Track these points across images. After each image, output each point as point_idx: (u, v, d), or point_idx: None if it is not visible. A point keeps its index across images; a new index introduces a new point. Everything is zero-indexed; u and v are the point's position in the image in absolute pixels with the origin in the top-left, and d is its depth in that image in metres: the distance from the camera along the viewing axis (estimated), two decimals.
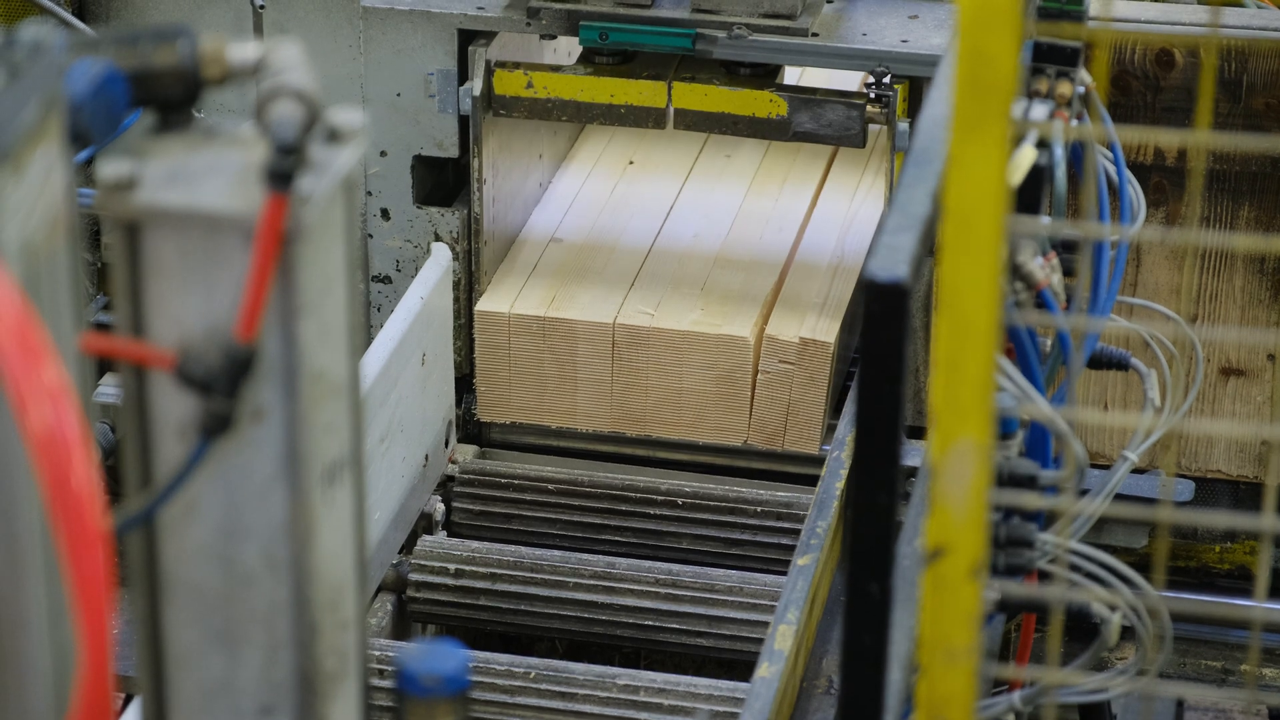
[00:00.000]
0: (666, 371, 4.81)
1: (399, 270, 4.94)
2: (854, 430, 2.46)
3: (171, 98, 2.24)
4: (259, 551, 2.22)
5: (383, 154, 4.86)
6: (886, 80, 4.61)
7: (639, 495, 4.72)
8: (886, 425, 2.43)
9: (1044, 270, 2.94)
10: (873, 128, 4.70)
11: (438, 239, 4.89)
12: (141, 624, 2.27)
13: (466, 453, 4.90)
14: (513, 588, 4.54)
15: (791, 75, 5.17)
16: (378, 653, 4.17)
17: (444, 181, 5.00)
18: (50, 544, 2.04)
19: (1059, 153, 3.07)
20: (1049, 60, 3.20)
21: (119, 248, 2.15)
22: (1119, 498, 3.23)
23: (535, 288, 4.91)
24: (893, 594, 2.51)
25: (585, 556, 4.59)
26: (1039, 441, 3.10)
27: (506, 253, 5.06)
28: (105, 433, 4.53)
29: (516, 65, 4.78)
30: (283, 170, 2.08)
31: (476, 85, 4.74)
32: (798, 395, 4.76)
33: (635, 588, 4.49)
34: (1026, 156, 2.96)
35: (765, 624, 4.22)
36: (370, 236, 4.93)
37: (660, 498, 4.71)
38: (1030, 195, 3.03)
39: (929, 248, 2.59)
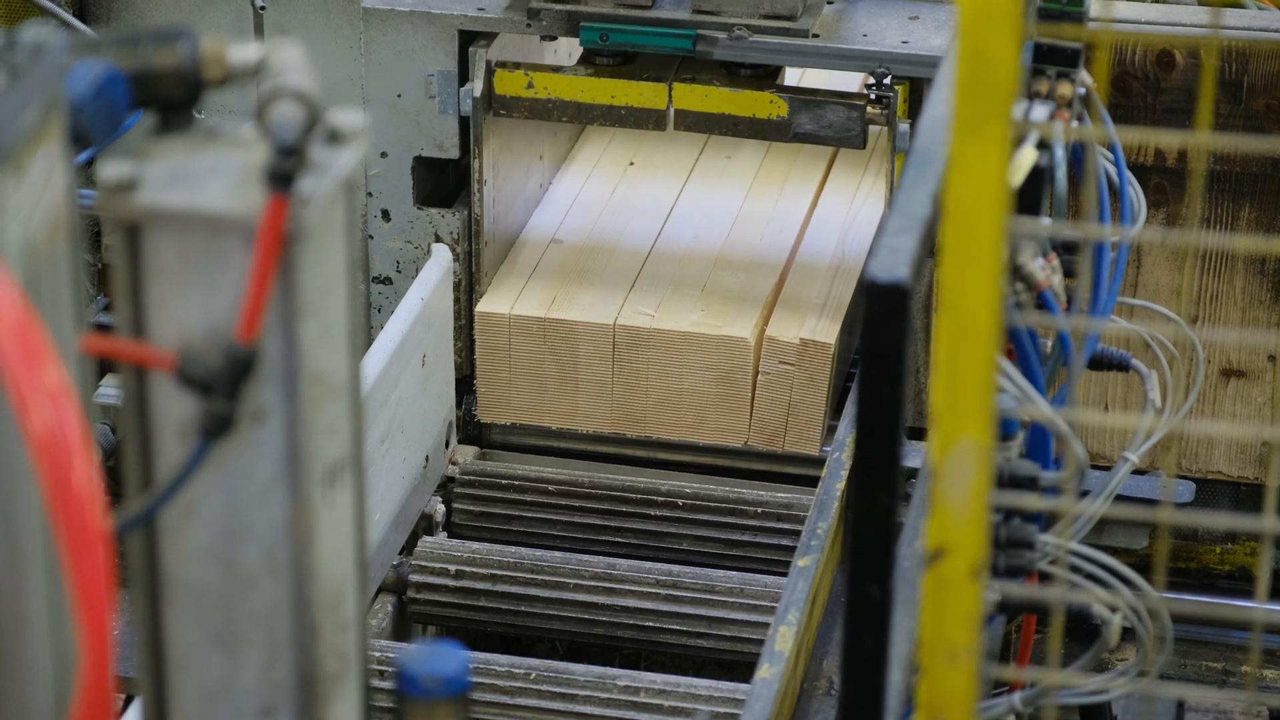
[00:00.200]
0: (667, 372, 4.81)
1: (399, 271, 4.94)
2: (854, 431, 2.46)
3: (172, 99, 2.24)
4: (259, 553, 2.22)
5: (383, 155, 4.86)
6: (887, 81, 4.61)
7: (639, 496, 4.72)
8: (887, 426, 2.43)
9: (1044, 271, 2.94)
10: (873, 129, 4.70)
11: (438, 240, 4.89)
12: (142, 625, 2.27)
13: (467, 454, 4.90)
14: (513, 589, 4.54)
15: (792, 76, 5.17)
16: (378, 654, 4.17)
17: (444, 182, 5.00)
18: (51, 545, 2.04)
19: (1059, 154, 3.07)
20: (1049, 61, 3.20)
21: (120, 249, 2.15)
22: (1119, 499, 3.23)
23: (536, 289, 4.91)
24: (893, 595, 2.51)
25: (586, 557, 4.59)
26: (1039, 443, 3.10)
27: (507, 254, 5.06)
28: (106, 434, 4.53)
29: (517, 66, 4.78)
30: (283, 171, 2.08)
31: (477, 86, 4.74)
32: (798, 396, 4.76)
33: (636, 589, 4.49)
34: (1027, 158, 2.96)
35: (766, 625, 4.22)
36: (371, 237, 4.93)
37: (661, 499, 4.71)
38: (1031, 196, 3.03)
39: (930, 249, 2.59)
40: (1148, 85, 4.48)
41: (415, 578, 4.57)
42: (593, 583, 4.52)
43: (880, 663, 2.52)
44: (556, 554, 4.60)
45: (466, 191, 4.90)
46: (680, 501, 4.70)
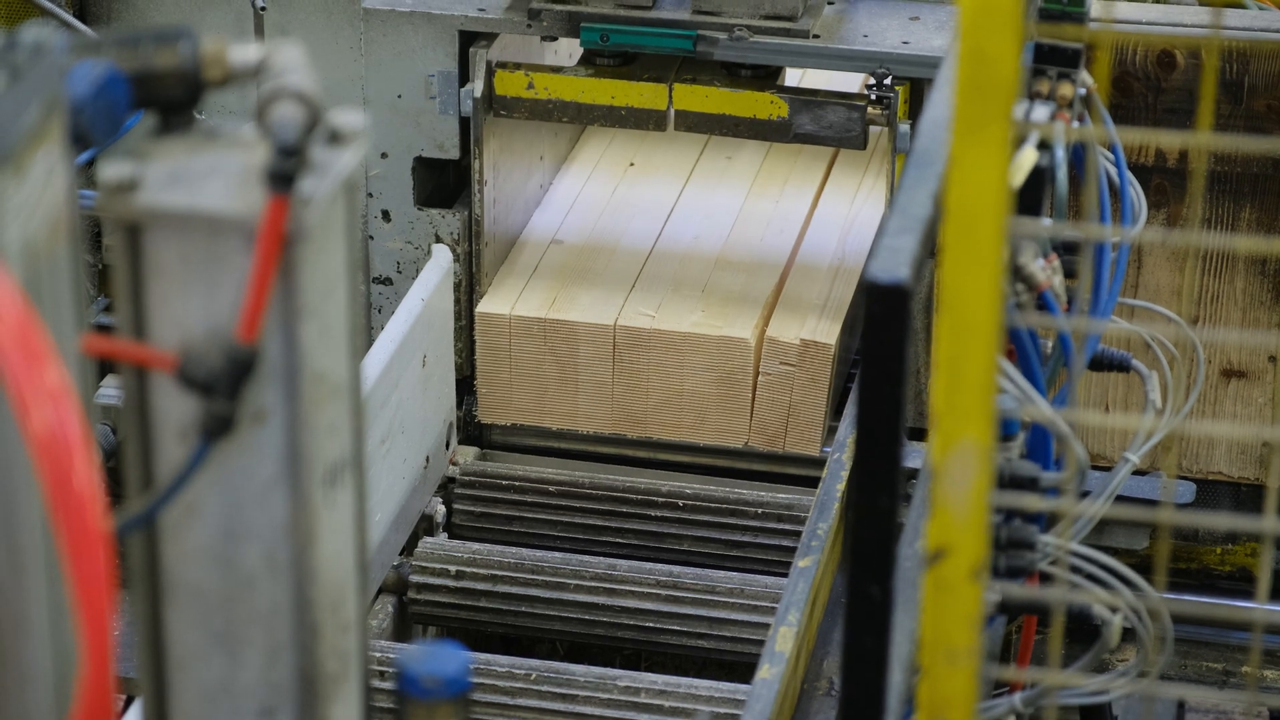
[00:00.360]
0: (667, 373, 4.81)
1: (400, 272, 4.94)
2: (855, 432, 2.46)
3: (173, 99, 2.24)
4: (260, 553, 2.22)
5: (384, 155, 4.86)
6: (887, 82, 4.62)
7: (640, 497, 4.72)
8: (888, 427, 2.43)
9: (1045, 272, 2.94)
10: (874, 129, 4.70)
11: (438, 240, 4.89)
12: (142, 625, 2.27)
13: (467, 454, 4.90)
14: (514, 589, 4.54)
15: (792, 77, 5.17)
16: (379, 654, 4.17)
17: (445, 183, 5.00)
18: (51, 545, 2.04)
19: (1060, 154, 3.07)
20: (1050, 62, 3.20)
21: (120, 249, 2.15)
22: (1120, 499, 3.22)
23: (536, 289, 4.92)
24: (894, 596, 2.51)
25: (586, 558, 4.59)
26: (1040, 443, 3.10)
27: (507, 254, 5.06)
28: (106, 434, 4.53)
29: (517, 66, 4.78)
30: (284, 172, 2.08)
31: (477, 87, 4.74)
32: (798, 397, 4.76)
33: (636, 589, 4.49)
34: (1028, 158, 2.95)
35: (766, 625, 4.22)
36: (371, 238, 4.93)
37: (661, 499, 4.71)
38: (1031, 197, 3.03)
39: (930, 249, 2.59)
40: (1148, 86, 4.48)
41: (416, 578, 4.57)
42: (593, 583, 4.52)
43: (881, 663, 2.52)
44: (557, 554, 4.60)
45: (467, 192, 4.90)
46: (681, 502, 4.70)
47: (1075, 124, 3.24)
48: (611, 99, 4.75)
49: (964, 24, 2.28)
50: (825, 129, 4.69)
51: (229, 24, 4.85)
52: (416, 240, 4.91)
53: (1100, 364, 3.43)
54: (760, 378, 4.78)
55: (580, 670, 4.25)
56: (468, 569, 4.56)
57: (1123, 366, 3.42)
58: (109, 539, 1.93)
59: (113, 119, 2.18)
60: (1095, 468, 4.15)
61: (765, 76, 4.74)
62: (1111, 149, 3.41)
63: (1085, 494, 3.20)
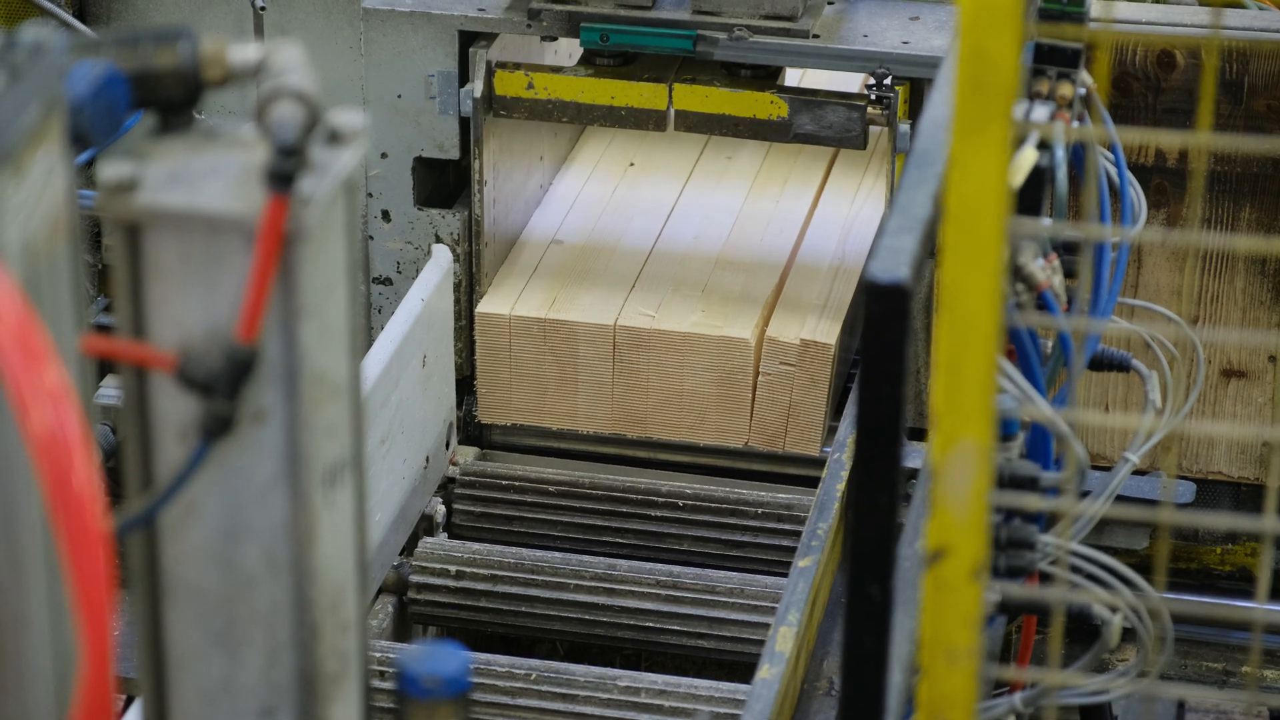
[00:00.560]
0: (667, 373, 4.81)
1: (400, 272, 4.94)
2: (855, 432, 2.46)
3: (172, 99, 2.24)
4: (260, 553, 2.22)
5: (383, 155, 4.86)
6: (887, 82, 4.61)
7: (640, 497, 4.72)
8: (887, 427, 2.43)
9: (1045, 272, 2.94)
10: (873, 129, 4.70)
11: (438, 240, 4.89)
12: (142, 625, 2.27)
13: (467, 454, 4.90)
14: (513, 589, 4.54)
15: (792, 77, 5.17)
16: (379, 654, 4.17)
17: (445, 183, 5.00)
18: (51, 545, 2.04)
19: (1060, 154, 3.07)
20: (1050, 62, 3.20)
21: (120, 249, 2.15)
22: (1120, 499, 3.22)
23: (536, 289, 4.92)
24: (894, 596, 2.51)
25: (586, 558, 4.59)
26: (1040, 443, 3.10)
27: (507, 254, 5.06)
28: (106, 434, 4.53)
29: (517, 66, 4.78)
30: (284, 172, 2.08)
31: (477, 87, 4.74)
32: (798, 397, 4.76)
33: (636, 589, 4.49)
34: (1027, 158, 2.95)
35: (766, 625, 4.22)
36: (371, 238, 4.93)
37: (661, 499, 4.71)
38: (1031, 197, 3.03)
39: (930, 249, 2.59)
40: (1148, 85, 4.48)
41: (416, 578, 4.57)
42: (593, 583, 4.52)
43: (881, 663, 2.52)
44: (557, 554, 4.60)
45: (467, 192, 4.90)
46: (681, 502, 4.70)
47: (1075, 124, 3.24)
48: (611, 99, 4.75)
49: (964, 24, 2.28)
50: (825, 129, 4.69)
51: (228, 24, 4.85)
52: (416, 240, 4.91)
53: (1100, 364, 3.43)
54: (760, 378, 4.78)
55: (580, 670, 4.25)
56: (468, 569, 4.56)
57: (1123, 366, 3.42)
58: (109, 539, 1.93)
59: (112, 119, 2.18)
60: (1095, 467, 4.14)
61: (765, 76, 4.74)
62: (1111, 149, 3.40)
63: (1085, 494, 3.20)
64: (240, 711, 2.28)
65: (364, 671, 2.37)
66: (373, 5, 4.78)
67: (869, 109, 4.64)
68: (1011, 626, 3.54)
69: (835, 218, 5.26)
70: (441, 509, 4.76)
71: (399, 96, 4.82)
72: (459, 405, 4.90)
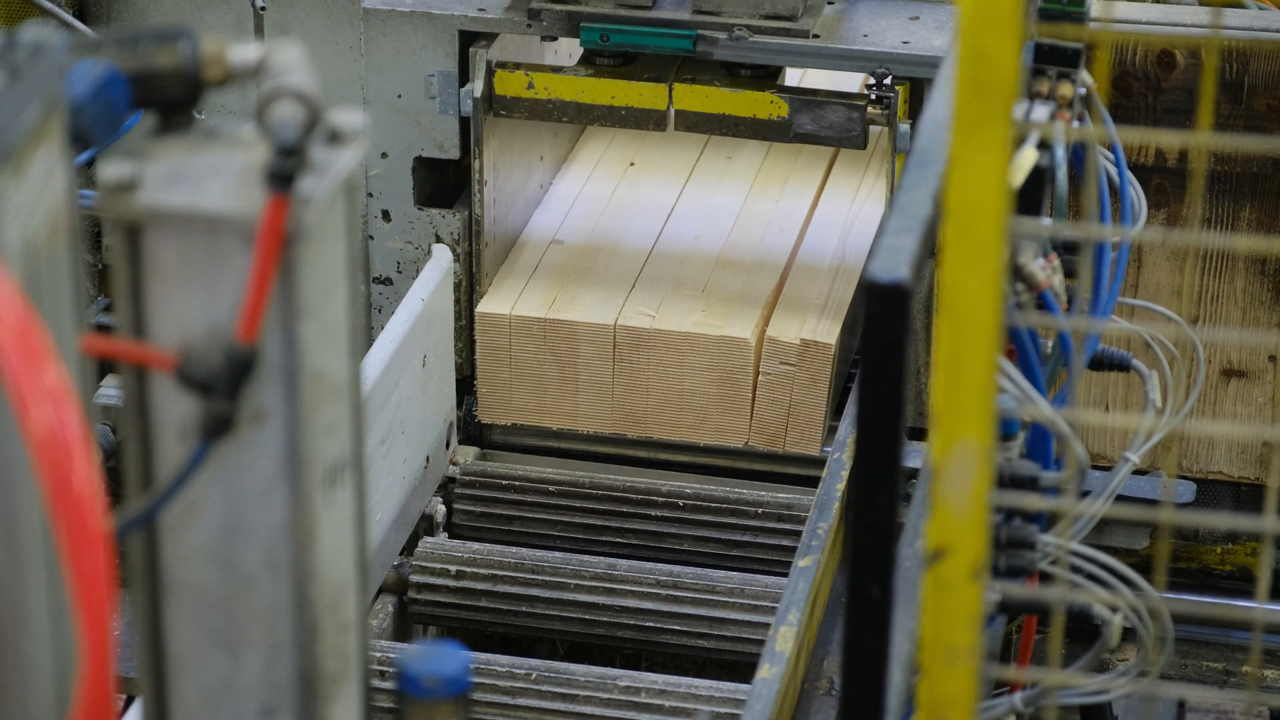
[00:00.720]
0: (667, 373, 4.81)
1: (400, 272, 4.94)
2: (855, 432, 2.46)
3: (172, 99, 2.24)
4: (260, 553, 2.22)
5: (384, 155, 4.86)
6: (887, 82, 4.61)
7: (640, 497, 4.72)
8: (887, 427, 2.43)
9: (1045, 271, 2.94)
10: (874, 129, 4.70)
11: (439, 240, 4.89)
12: (142, 625, 2.27)
13: (467, 454, 4.90)
14: (514, 589, 4.54)
15: (792, 77, 5.17)
16: (379, 654, 4.17)
17: (445, 183, 5.00)
18: (51, 545, 2.04)
19: (1060, 154, 3.07)
20: (1050, 61, 3.20)
21: (120, 249, 2.15)
22: (1120, 499, 3.22)
23: (536, 289, 4.91)
24: (894, 595, 2.51)
25: (586, 558, 4.59)
26: (1040, 443, 3.10)
27: (507, 254, 5.06)
28: (106, 434, 4.53)
29: (517, 66, 4.78)
30: (284, 172, 2.08)
31: (477, 86, 4.74)
32: (799, 397, 4.76)
33: (636, 589, 4.49)
34: (1028, 158, 2.95)
35: (766, 625, 4.22)
36: (371, 238, 4.93)
37: (661, 499, 4.71)
38: (1031, 196, 3.03)
39: (930, 249, 2.59)
40: (1148, 85, 4.48)
41: (416, 578, 4.57)
42: (593, 583, 4.51)
43: (881, 663, 2.52)
44: (557, 554, 4.60)
45: (467, 192, 4.90)
46: (681, 502, 4.70)
47: (1075, 124, 3.24)
48: (611, 99, 4.75)
49: (964, 24, 2.28)
50: (825, 129, 4.69)
51: (229, 24, 4.85)
52: (416, 240, 4.91)
53: (1100, 363, 3.43)
54: (760, 377, 4.78)
55: (580, 670, 4.25)
56: (468, 569, 4.56)
57: (1123, 366, 3.42)
58: (109, 539, 1.93)
59: (112, 119, 2.18)
60: (1095, 467, 4.14)
61: (765, 76, 4.74)
62: (1111, 149, 3.40)
63: (1085, 493, 3.20)
64: (240, 711, 2.28)
65: (364, 671, 2.37)
66: (373, 5, 4.78)
67: (869, 109, 4.64)
68: (1012, 626, 3.54)
69: (835, 217, 5.26)
70: (441, 509, 4.76)
71: (399, 96, 4.82)
72: (459, 405, 4.90)
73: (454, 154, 4.86)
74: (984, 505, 2.42)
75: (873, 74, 4.62)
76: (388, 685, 4.04)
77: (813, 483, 4.43)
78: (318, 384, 2.18)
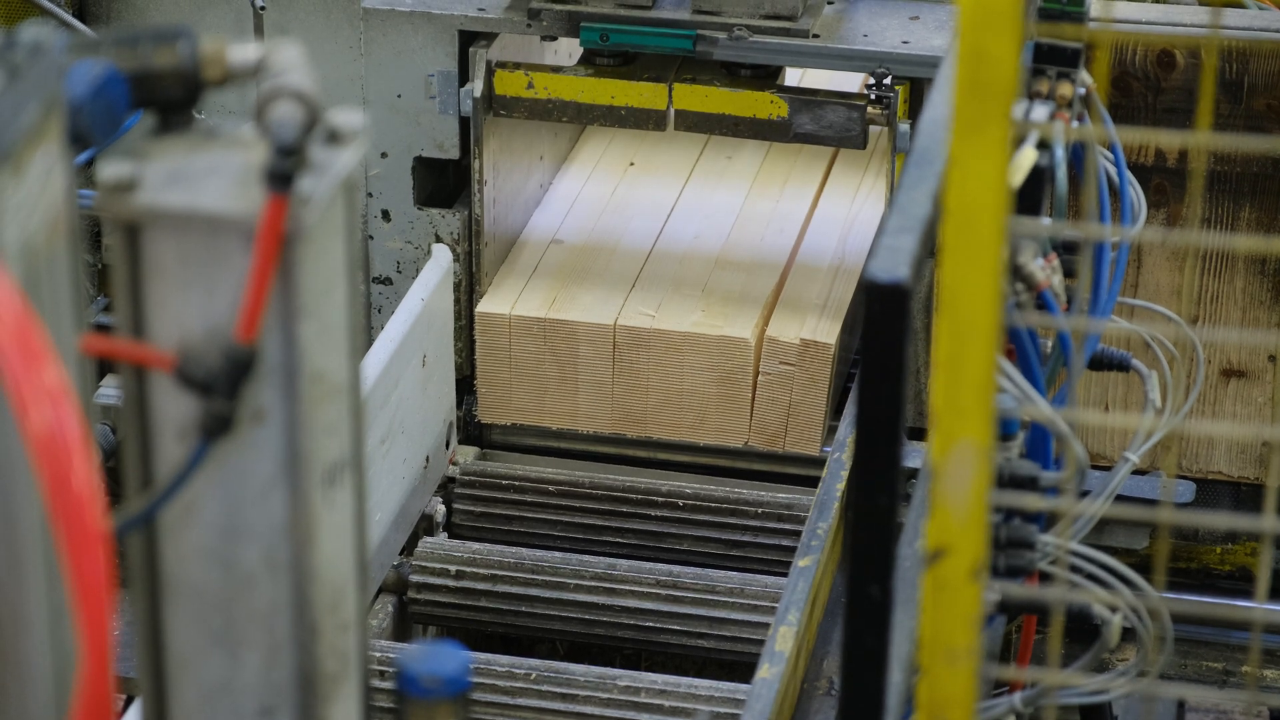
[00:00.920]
0: (667, 373, 4.81)
1: (399, 271, 4.94)
2: (855, 432, 2.46)
3: (172, 99, 2.24)
4: (259, 553, 2.22)
5: (383, 155, 4.86)
6: (887, 81, 4.61)
7: (640, 497, 4.72)
8: (887, 427, 2.43)
9: (1045, 271, 2.94)
10: (873, 129, 4.70)
11: (438, 240, 4.89)
12: (142, 625, 2.27)
13: (467, 454, 4.90)
14: (513, 589, 4.53)
15: (792, 76, 5.17)
16: (378, 654, 4.17)
17: (445, 183, 5.00)
18: (51, 545, 2.04)
19: (1060, 154, 3.07)
20: (1050, 61, 3.20)
21: (119, 249, 2.15)
22: (1120, 499, 3.22)
23: (536, 289, 4.91)
24: (893, 595, 2.51)
25: (586, 558, 4.59)
26: (1040, 443, 3.10)
27: (507, 254, 5.06)
28: (106, 434, 4.53)
29: (517, 66, 4.77)
30: (283, 171, 2.08)
31: (477, 86, 4.74)
32: (798, 396, 4.76)
33: (636, 589, 4.49)
34: (1027, 158, 2.95)
35: (766, 625, 4.22)
36: (371, 238, 4.93)
37: (661, 499, 4.71)
38: (1031, 196, 3.03)
39: (930, 249, 2.59)
40: (1148, 85, 4.48)
41: (416, 578, 4.57)
42: (593, 583, 4.51)
43: (881, 663, 2.52)
44: (557, 554, 4.60)
45: (467, 192, 4.90)
46: (680, 502, 4.70)
47: (1075, 123, 3.24)
48: (611, 99, 4.75)
49: (963, 23, 2.28)
50: (825, 129, 4.69)
51: (228, 23, 4.85)
52: (416, 240, 4.91)
53: (1100, 363, 3.43)
54: (760, 377, 4.78)
55: (580, 670, 4.25)
56: (468, 569, 4.56)
57: (1122, 366, 3.42)
58: (108, 539, 1.93)
59: (112, 118, 2.18)
60: (1095, 467, 4.14)
61: (765, 76, 4.74)
62: (1111, 148, 3.40)
63: (1085, 493, 3.20)
64: (240, 711, 2.28)
65: (364, 671, 2.37)
66: (372, 5, 4.78)
67: (869, 108, 4.64)
68: (1011, 626, 3.54)
69: (835, 217, 5.26)
70: (441, 509, 4.76)
71: (399, 96, 4.81)
72: (459, 405, 4.90)
73: (454, 154, 4.85)
74: (983, 505, 2.42)
75: (872, 74, 4.62)
76: (387, 685, 4.03)
77: (812, 483, 4.43)
78: (317, 384, 2.18)
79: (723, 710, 4.11)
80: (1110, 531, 4.62)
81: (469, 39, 4.78)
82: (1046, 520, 3.01)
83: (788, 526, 4.63)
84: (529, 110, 4.78)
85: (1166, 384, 3.41)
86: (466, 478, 4.80)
